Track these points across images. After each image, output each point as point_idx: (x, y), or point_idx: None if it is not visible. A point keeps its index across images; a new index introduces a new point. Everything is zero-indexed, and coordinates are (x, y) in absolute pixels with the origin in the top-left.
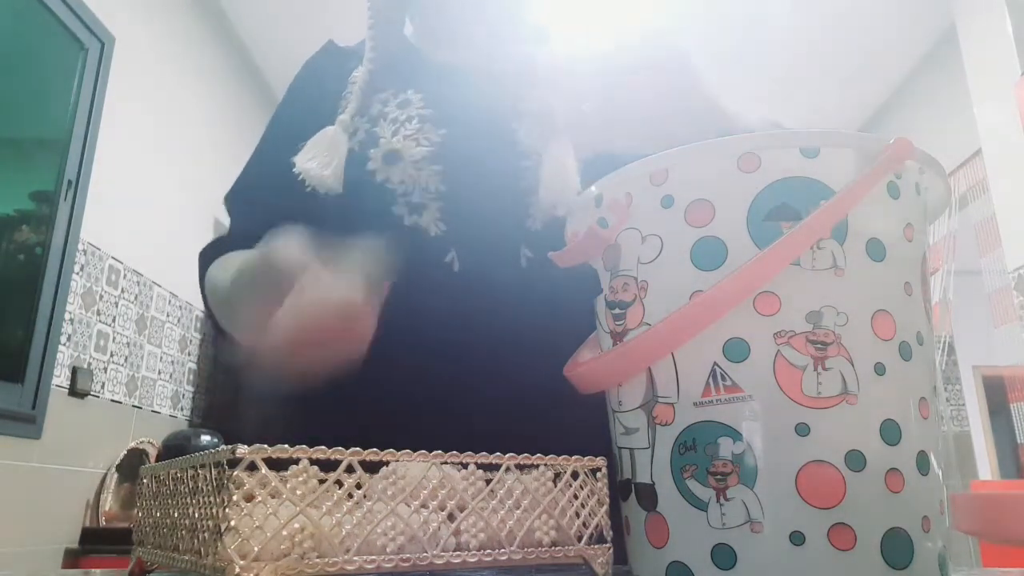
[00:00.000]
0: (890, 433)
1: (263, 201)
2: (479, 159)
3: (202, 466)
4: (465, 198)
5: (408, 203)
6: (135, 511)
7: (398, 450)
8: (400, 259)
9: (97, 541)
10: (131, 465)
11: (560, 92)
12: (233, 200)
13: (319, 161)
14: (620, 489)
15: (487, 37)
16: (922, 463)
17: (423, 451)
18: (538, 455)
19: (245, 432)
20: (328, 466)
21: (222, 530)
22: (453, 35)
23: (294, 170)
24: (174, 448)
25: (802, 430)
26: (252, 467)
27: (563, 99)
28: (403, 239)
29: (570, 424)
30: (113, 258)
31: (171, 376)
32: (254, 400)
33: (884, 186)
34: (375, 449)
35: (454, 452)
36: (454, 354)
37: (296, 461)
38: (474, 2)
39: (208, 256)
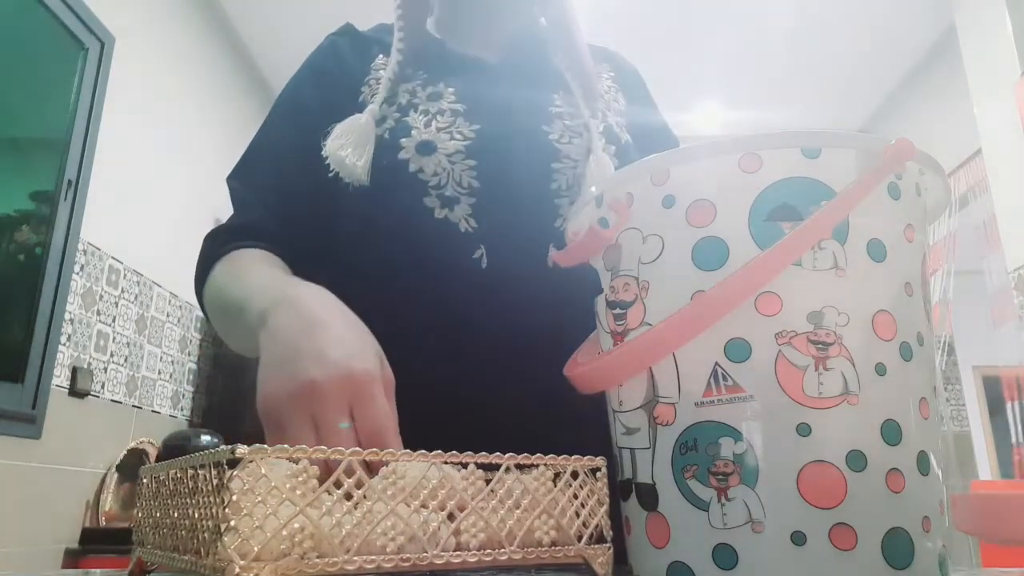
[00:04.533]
0: (891, 433)
1: (272, 187)
2: (512, 158)
3: (202, 466)
4: (497, 196)
5: (440, 196)
6: (135, 511)
7: (417, 445)
8: (429, 251)
9: (97, 541)
10: (131, 465)
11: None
12: (237, 180)
13: (353, 150)
14: (621, 489)
15: (503, 36)
16: (922, 463)
17: (423, 451)
18: (538, 455)
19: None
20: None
21: (222, 530)
22: (471, 30)
23: (323, 152)
24: (174, 448)
25: (803, 430)
26: (252, 467)
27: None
28: (432, 232)
29: (583, 423)
30: (113, 258)
31: (171, 376)
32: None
33: (885, 187)
34: (375, 449)
35: (454, 452)
36: (478, 350)
37: (296, 461)
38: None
39: (219, 240)
